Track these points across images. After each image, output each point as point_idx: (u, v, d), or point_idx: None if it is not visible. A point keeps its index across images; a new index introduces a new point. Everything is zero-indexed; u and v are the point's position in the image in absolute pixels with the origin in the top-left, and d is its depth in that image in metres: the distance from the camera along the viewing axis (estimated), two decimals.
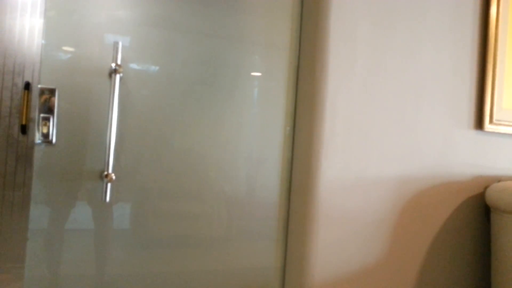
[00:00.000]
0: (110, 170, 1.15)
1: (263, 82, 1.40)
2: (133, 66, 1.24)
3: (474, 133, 1.54)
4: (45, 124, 1.12)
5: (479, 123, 1.54)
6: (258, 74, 1.39)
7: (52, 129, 1.13)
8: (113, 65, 1.16)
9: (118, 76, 1.18)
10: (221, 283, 1.36)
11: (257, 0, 1.39)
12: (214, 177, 1.34)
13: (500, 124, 1.55)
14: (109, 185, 1.16)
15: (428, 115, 1.46)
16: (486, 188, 1.52)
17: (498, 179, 1.57)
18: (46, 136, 1.12)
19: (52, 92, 1.13)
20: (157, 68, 1.26)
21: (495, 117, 1.53)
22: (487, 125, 1.52)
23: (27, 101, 1.76)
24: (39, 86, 1.12)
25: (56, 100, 1.13)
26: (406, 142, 1.42)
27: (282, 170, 1.42)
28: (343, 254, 1.34)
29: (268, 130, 1.41)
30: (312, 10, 1.36)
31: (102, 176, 1.15)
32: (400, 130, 1.41)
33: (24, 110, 1.76)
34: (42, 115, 1.12)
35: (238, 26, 1.36)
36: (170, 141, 1.28)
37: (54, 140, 1.13)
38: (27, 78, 1.77)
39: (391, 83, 1.39)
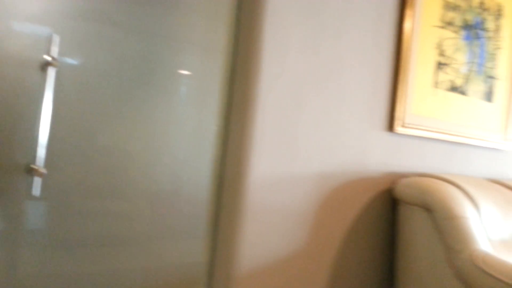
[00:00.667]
0: (38, 164, 1.15)
1: (197, 81, 1.45)
2: (67, 60, 1.23)
3: (386, 135, 1.73)
4: None
5: (390, 126, 1.73)
6: (193, 73, 1.44)
7: None
8: (47, 57, 1.15)
9: (52, 69, 1.17)
10: (149, 281, 1.39)
11: (195, 1, 1.43)
12: (142, 175, 1.36)
13: (408, 127, 1.75)
14: (36, 179, 1.15)
15: (348, 118, 1.61)
16: (394, 183, 1.71)
17: (405, 175, 1.78)
18: None
19: None
20: (91, 63, 1.27)
21: (404, 120, 1.73)
22: (397, 128, 1.72)
23: None
24: None
25: None
26: (328, 142, 1.56)
27: (214, 168, 1.48)
28: (268, 246, 1.45)
29: (200, 129, 1.46)
30: (248, 14, 1.44)
31: (29, 170, 1.15)
32: (323, 131, 1.55)
33: None
34: None
35: (175, 25, 1.39)
36: (100, 138, 1.29)
37: None
38: None
39: (317, 89, 1.52)
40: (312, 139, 1.52)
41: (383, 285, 1.77)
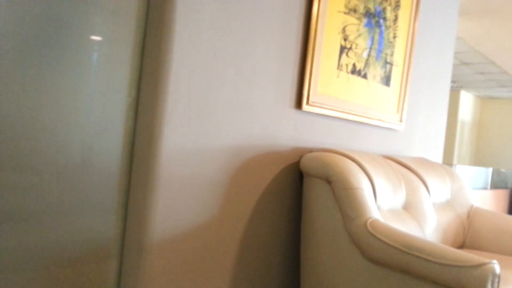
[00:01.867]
0: None
1: (106, 47, 1.41)
2: None
3: (294, 112, 1.83)
4: None
5: (298, 104, 1.83)
6: (102, 39, 1.40)
7: None
8: None
9: None
10: (58, 256, 1.35)
11: None
12: (49, 145, 1.31)
13: (314, 105, 1.87)
14: None
15: (258, 95, 1.68)
16: (301, 157, 1.83)
17: (311, 150, 1.91)
18: None
19: None
20: None
21: (310, 99, 1.84)
22: (304, 106, 1.83)
23: None
24: None
25: None
26: (239, 117, 1.62)
27: (124, 139, 1.47)
28: (180, 217, 1.49)
29: (111, 98, 1.44)
30: None
31: None
32: (234, 106, 1.60)
33: None
34: None
35: None
36: (0, 105, 1.22)
37: None
38: None
39: (230, 64, 1.57)
40: (224, 113, 1.57)
41: (290, 252, 1.90)
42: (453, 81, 7.22)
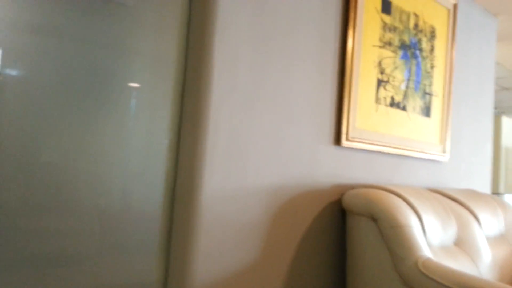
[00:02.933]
0: None
1: (147, 94, 1.45)
2: (10, 72, 1.21)
3: (333, 148, 1.80)
4: None
5: (337, 140, 1.80)
6: (142, 86, 1.44)
7: None
8: None
9: None
10: None
11: (144, 9, 1.44)
12: (90, 191, 1.33)
13: (354, 141, 1.83)
14: None
15: (296, 133, 1.67)
16: (342, 194, 1.78)
17: (352, 187, 1.86)
18: None
19: None
20: (35, 75, 1.24)
21: (350, 134, 1.81)
22: (344, 141, 1.79)
23: None
24: None
25: None
26: (278, 156, 1.61)
27: (166, 182, 1.48)
28: (223, 259, 1.46)
29: (151, 143, 1.46)
30: (199, 27, 1.47)
31: None
32: (274, 145, 1.59)
33: None
34: None
35: (123, 36, 1.39)
36: (44, 152, 1.25)
37: None
38: None
39: (267, 104, 1.57)
40: (262, 153, 1.56)
41: None
42: (494, 107, 6.99)
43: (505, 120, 8.21)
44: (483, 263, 1.88)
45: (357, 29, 1.80)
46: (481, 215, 2.07)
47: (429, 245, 1.68)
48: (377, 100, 1.94)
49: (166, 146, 1.48)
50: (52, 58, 1.26)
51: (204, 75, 1.43)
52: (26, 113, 1.22)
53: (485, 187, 2.87)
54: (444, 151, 2.35)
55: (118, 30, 1.38)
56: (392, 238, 1.53)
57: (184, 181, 1.45)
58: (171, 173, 1.49)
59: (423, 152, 2.20)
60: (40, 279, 1.24)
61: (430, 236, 1.69)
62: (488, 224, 2.08)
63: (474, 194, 2.25)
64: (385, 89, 1.97)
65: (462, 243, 1.86)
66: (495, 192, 6.93)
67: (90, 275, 1.33)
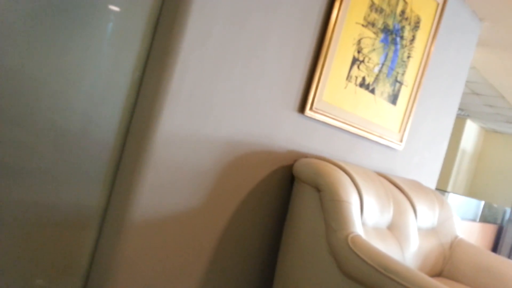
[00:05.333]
0: None
1: (121, 19, 1.41)
2: None
3: (296, 116, 1.83)
4: None
5: (302, 108, 1.83)
6: (116, 9, 1.39)
7: None
8: None
9: None
10: (40, 216, 1.36)
11: None
12: (49, 106, 1.31)
13: (317, 112, 1.86)
14: None
15: (263, 93, 1.67)
16: (295, 161, 1.83)
17: (306, 156, 1.90)
18: None
19: None
20: None
21: (315, 105, 1.84)
22: (308, 111, 1.82)
23: None
24: None
25: None
26: (241, 112, 1.62)
27: (123, 113, 1.47)
28: (166, 199, 1.49)
29: (117, 71, 1.43)
30: None
31: None
32: (239, 100, 1.60)
33: None
34: None
35: None
36: (4, 58, 1.21)
37: None
38: None
39: (239, 59, 1.56)
40: (226, 106, 1.56)
41: (268, 252, 1.91)
42: (460, 109, 7.20)
43: (469, 124, 8.50)
44: (409, 250, 2.00)
45: (344, 2, 1.79)
46: (419, 206, 2.18)
47: (364, 224, 1.77)
48: (349, 77, 1.96)
49: (131, 77, 1.46)
50: None
51: (178, 18, 1.39)
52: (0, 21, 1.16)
53: (432, 183, 3.00)
54: (401, 140, 2.43)
55: None
56: (330, 210, 1.60)
57: (141, 118, 1.44)
58: (131, 106, 1.47)
59: (381, 137, 2.27)
60: None
61: (366, 216, 1.78)
62: (423, 216, 2.20)
63: (418, 186, 2.36)
64: (358, 68, 1.99)
65: (394, 228, 1.97)
66: (443, 190, 7.26)
67: (37, 190, 1.33)
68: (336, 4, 1.78)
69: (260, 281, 1.92)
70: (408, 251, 1.98)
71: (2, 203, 1.28)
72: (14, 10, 1.20)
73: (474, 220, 6.35)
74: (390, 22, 2.06)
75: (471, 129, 8.56)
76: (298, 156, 1.89)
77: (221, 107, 1.55)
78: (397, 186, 2.18)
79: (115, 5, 1.38)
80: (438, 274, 2.29)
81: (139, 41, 1.45)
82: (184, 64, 1.41)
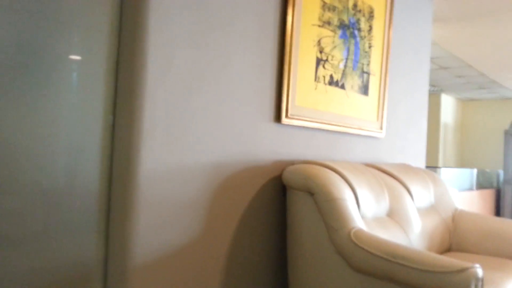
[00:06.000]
0: None
1: (82, 67, 1.41)
2: None
3: (274, 126, 1.84)
4: None
5: (278, 117, 1.84)
6: (77, 58, 1.40)
7: None
8: None
9: None
10: (41, 281, 1.33)
11: None
12: (30, 168, 1.30)
13: (293, 118, 1.88)
14: None
15: (237, 110, 1.69)
16: (283, 170, 1.84)
17: (292, 163, 1.91)
18: None
19: None
20: None
21: (289, 112, 1.86)
22: (284, 119, 1.84)
23: None
24: None
25: None
26: (218, 134, 1.63)
27: (102, 159, 1.46)
28: (163, 236, 1.48)
29: (87, 119, 1.42)
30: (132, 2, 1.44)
31: None
32: (213, 123, 1.60)
33: None
34: None
35: (56, 7, 1.34)
36: None
37: None
38: None
39: (206, 82, 1.57)
40: (202, 131, 1.57)
41: (277, 267, 1.90)
42: (433, 85, 7.33)
43: (444, 97, 8.65)
44: (414, 232, 2.02)
45: (296, 7, 1.83)
46: (413, 187, 2.20)
47: (363, 217, 1.78)
48: (317, 78, 1.99)
49: (104, 122, 1.46)
50: None
51: (138, 52, 1.40)
52: None
53: (420, 162, 3.04)
54: (380, 128, 2.46)
55: (52, 2, 1.32)
56: (327, 211, 1.60)
57: (121, 159, 1.44)
58: (108, 151, 1.47)
59: (361, 129, 2.30)
60: None
61: (363, 208, 1.79)
62: (419, 196, 2.22)
63: (407, 168, 2.38)
64: (324, 67, 2.02)
65: (394, 214, 1.98)
66: (434, 166, 7.33)
67: (32, 254, 1.31)
68: (289, 10, 1.82)
69: None
70: (412, 234, 1.99)
71: (1, 274, 1.25)
72: None
73: (471, 189, 6.42)
74: (345, 18, 2.11)
75: (447, 102, 8.72)
76: (285, 164, 1.90)
77: (197, 133, 1.56)
78: (387, 173, 2.20)
79: (75, 54, 1.39)
80: (447, 249, 2.30)
81: (104, 85, 1.45)
82: (153, 99, 1.42)
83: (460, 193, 5.66)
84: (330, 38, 2.03)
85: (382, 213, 1.93)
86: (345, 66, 2.14)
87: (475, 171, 6.65)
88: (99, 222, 1.46)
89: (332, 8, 2.03)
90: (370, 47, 2.31)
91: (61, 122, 1.37)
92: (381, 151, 2.57)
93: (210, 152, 1.60)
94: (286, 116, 1.84)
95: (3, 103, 1.25)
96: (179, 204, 1.51)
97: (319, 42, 1.97)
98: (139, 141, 1.40)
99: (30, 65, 1.29)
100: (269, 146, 1.83)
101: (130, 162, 1.40)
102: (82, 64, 1.41)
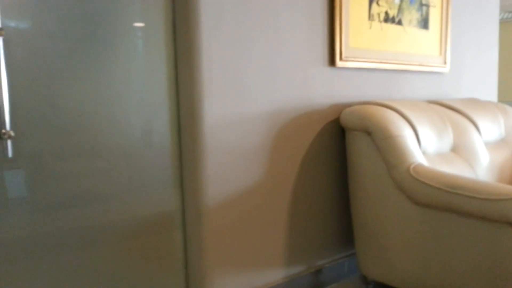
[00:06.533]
0: (8, 128, 1.24)
1: (143, 33, 1.52)
2: (13, 26, 1.29)
3: (329, 70, 1.86)
4: None
5: (332, 60, 1.85)
6: (139, 24, 1.51)
7: None
8: None
9: (0, 39, 1.24)
10: (128, 232, 1.52)
11: None
12: (107, 133, 1.46)
13: (348, 60, 1.88)
14: (8, 142, 1.25)
15: (290, 57, 1.72)
16: (340, 113, 1.87)
17: (349, 105, 1.93)
18: None
19: None
20: (38, 26, 1.32)
21: (344, 54, 1.86)
22: (338, 62, 1.85)
23: None
24: None
25: None
26: (273, 82, 1.68)
27: (171, 116, 1.59)
28: (230, 181, 1.60)
29: (153, 80, 1.55)
30: None
31: (1, 134, 1.24)
32: (267, 72, 1.66)
33: None
34: None
35: None
36: (59, 99, 1.36)
37: None
38: None
39: (257, 32, 1.62)
40: (257, 81, 1.64)
41: (340, 206, 1.97)
42: (509, 11, 6.68)
43: None
44: (481, 166, 1.97)
45: None
46: (480, 121, 2.13)
47: (424, 153, 1.78)
48: (370, 16, 1.95)
49: (167, 81, 1.57)
50: (51, 6, 1.33)
51: (192, 11, 1.48)
52: (35, 64, 1.32)
53: (492, 96, 2.89)
54: (444, 62, 2.36)
55: None
56: (385, 148, 1.63)
57: (186, 113, 1.56)
58: (174, 107, 1.59)
59: (422, 65, 2.23)
60: (76, 216, 1.41)
61: (425, 144, 1.78)
62: (487, 130, 2.15)
63: (475, 102, 2.29)
64: (378, 4, 1.97)
65: (459, 149, 1.95)
66: (509, 101, 6.82)
67: (119, 208, 1.49)
68: None
69: (340, 234, 1.99)
70: (479, 167, 1.96)
71: (94, 227, 1.45)
72: (54, 55, 1.35)
73: None
74: None
75: None
76: (342, 108, 1.92)
77: (252, 83, 1.63)
78: (452, 108, 2.14)
79: (138, 22, 1.50)
80: None
81: (165, 47, 1.55)
82: (208, 54, 1.50)
83: None
84: None
85: (445, 148, 1.91)
86: (401, 0, 2.07)
87: None
88: (174, 175, 1.61)
89: None
90: None
91: (132, 86, 1.50)
92: (447, 86, 2.48)
93: (266, 100, 1.67)
94: (341, 59, 1.85)
95: (78, 73, 1.39)
96: (242, 150, 1.62)
97: None
98: (201, 94, 1.50)
99: (99, 34, 1.42)
100: (325, 90, 1.86)
101: (194, 114, 1.52)
102: (144, 30, 1.51)
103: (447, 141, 1.92)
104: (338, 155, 1.94)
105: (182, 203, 1.64)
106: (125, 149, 1.49)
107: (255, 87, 1.63)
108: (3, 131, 1.24)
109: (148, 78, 1.53)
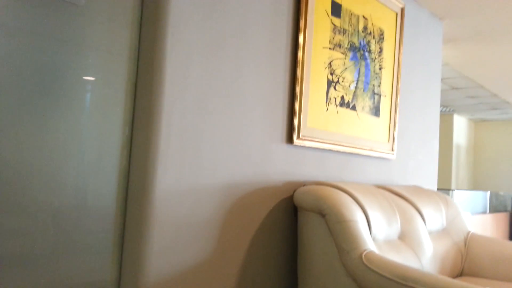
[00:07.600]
0: None
1: (100, 88, 1.45)
2: None
3: (286, 147, 1.86)
4: None
5: (289, 138, 1.86)
6: (95, 79, 1.44)
7: None
8: None
9: None
10: None
11: (95, 4, 1.43)
12: (43, 188, 1.32)
13: (305, 139, 1.89)
14: None
15: (250, 132, 1.71)
16: (294, 191, 1.84)
17: (303, 184, 1.92)
18: None
19: None
20: None
21: (301, 133, 1.87)
22: (296, 140, 1.85)
23: None
24: None
25: None
26: (231, 154, 1.64)
27: (119, 179, 1.48)
28: (176, 256, 1.48)
29: (104, 139, 1.46)
30: (151, 27, 1.48)
31: None
32: (226, 143, 1.62)
33: None
34: None
35: (74, 32, 1.38)
36: None
37: None
38: None
39: (221, 102, 1.60)
40: (216, 151, 1.59)
41: (288, 284, 1.89)
42: (445, 106, 7.30)
43: (457, 118, 8.61)
44: (425, 256, 1.99)
45: (307, 31, 1.86)
46: (425, 210, 2.19)
47: (374, 239, 1.77)
48: (328, 99, 2.01)
49: (120, 142, 1.48)
50: (3, 55, 1.24)
51: (156, 74, 1.44)
52: None
53: (432, 184, 3.02)
54: (392, 149, 2.46)
55: (70, 22, 1.37)
56: (338, 233, 1.60)
57: (137, 178, 1.46)
58: (124, 170, 1.49)
59: (372, 150, 2.30)
60: None
61: (375, 231, 1.78)
62: (431, 219, 2.20)
63: (419, 190, 2.37)
64: (335, 89, 2.04)
65: (405, 237, 1.96)
66: (447, 189, 7.25)
67: (45, 275, 1.32)
68: (301, 34, 1.85)
69: None
70: (424, 257, 1.97)
71: None
72: (2, 107, 1.23)
73: (484, 212, 6.32)
74: (355, 40, 2.13)
75: (460, 123, 8.66)
76: (296, 185, 1.90)
77: (211, 154, 1.58)
78: (398, 195, 2.19)
79: (92, 76, 1.43)
80: (459, 274, 2.27)
81: (122, 106, 1.48)
82: (169, 118, 1.45)
83: (473, 216, 5.58)
84: (341, 60, 2.06)
85: (393, 235, 1.92)
86: (356, 87, 2.16)
87: (488, 193, 6.56)
88: (114, 242, 1.48)
89: (343, 31, 2.06)
90: (380, 68, 2.33)
91: (78, 143, 1.39)
92: (393, 172, 2.56)
93: (222, 172, 1.62)
94: (298, 137, 1.86)
95: (22, 124, 1.28)
96: (192, 224, 1.52)
97: (330, 64, 2.00)
98: (155, 161, 1.42)
99: (54, 87, 1.33)
100: (280, 167, 1.84)
101: (145, 182, 1.42)
102: (100, 85, 1.45)
103: (395, 228, 1.93)
104: (290, 235, 1.89)
105: (118, 274, 1.49)
106: (54, 208, 1.35)
107: (212, 157, 1.58)
108: None
109: (99, 136, 1.44)
